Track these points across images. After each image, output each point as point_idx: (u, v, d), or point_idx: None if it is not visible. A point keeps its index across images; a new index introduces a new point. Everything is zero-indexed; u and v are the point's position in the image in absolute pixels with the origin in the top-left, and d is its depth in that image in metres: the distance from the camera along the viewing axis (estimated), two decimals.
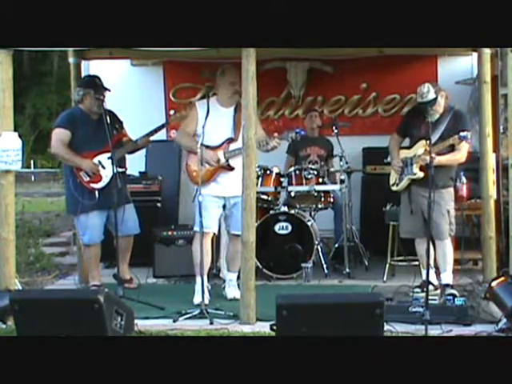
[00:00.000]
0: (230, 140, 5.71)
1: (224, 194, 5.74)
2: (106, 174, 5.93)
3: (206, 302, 5.38)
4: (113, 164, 5.76)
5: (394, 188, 6.00)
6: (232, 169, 5.69)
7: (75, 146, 5.97)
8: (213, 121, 5.53)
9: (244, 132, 5.23)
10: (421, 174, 5.69)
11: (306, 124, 7.60)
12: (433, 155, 5.32)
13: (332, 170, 7.26)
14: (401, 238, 6.26)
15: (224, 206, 5.80)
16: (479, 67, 6.00)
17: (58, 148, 5.99)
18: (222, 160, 5.69)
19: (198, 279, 5.64)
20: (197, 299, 5.59)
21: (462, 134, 5.49)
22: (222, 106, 5.71)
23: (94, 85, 6.03)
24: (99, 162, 5.96)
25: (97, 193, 5.94)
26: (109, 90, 6.09)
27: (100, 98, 5.89)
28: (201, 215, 5.38)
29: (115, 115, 6.18)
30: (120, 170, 5.95)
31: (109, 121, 5.75)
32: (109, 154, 5.83)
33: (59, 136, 5.98)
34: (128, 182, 6.57)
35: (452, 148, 5.69)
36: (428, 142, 5.40)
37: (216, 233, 5.92)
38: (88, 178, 5.96)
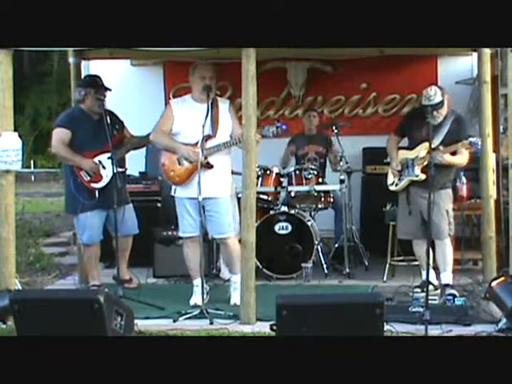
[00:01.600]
0: (208, 137, 5.56)
1: (202, 195, 5.41)
2: (107, 173, 5.93)
3: (200, 303, 5.36)
4: (113, 164, 5.77)
5: (393, 188, 6.00)
6: (211, 167, 5.55)
7: (76, 146, 5.97)
8: (189, 118, 5.52)
9: (244, 131, 5.22)
10: (423, 176, 5.70)
11: (304, 123, 7.61)
12: (444, 155, 5.52)
13: (337, 155, 7.14)
14: (399, 239, 6.26)
15: (203, 208, 5.57)
16: (479, 67, 6.00)
17: (58, 148, 5.99)
18: (201, 158, 5.49)
19: (195, 282, 5.68)
20: (193, 300, 5.62)
21: (471, 139, 5.51)
22: (197, 102, 5.61)
23: (96, 84, 6.03)
24: (100, 161, 5.95)
25: (97, 192, 5.94)
26: (110, 90, 6.09)
27: (100, 97, 5.90)
28: (200, 215, 5.36)
29: (115, 115, 6.18)
30: (120, 169, 5.96)
31: (109, 121, 5.75)
32: (109, 154, 5.83)
33: (59, 135, 5.98)
34: (128, 181, 6.58)
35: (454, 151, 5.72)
36: (429, 144, 5.43)
37: (199, 235, 5.58)
38: (88, 178, 5.96)
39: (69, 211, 6.32)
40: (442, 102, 5.61)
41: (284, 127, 5.69)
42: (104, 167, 5.95)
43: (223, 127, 5.59)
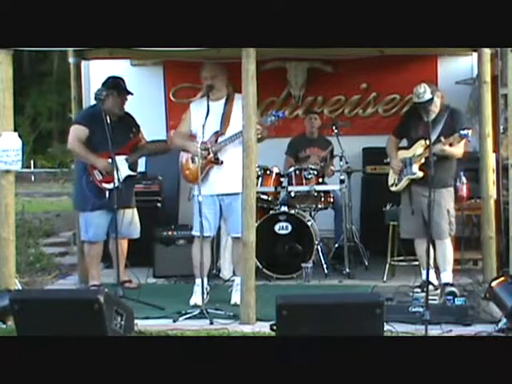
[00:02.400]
0: (217, 133, 5.59)
1: (216, 192, 5.57)
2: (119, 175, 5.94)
3: (200, 303, 5.35)
4: (113, 164, 5.76)
5: (393, 188, 6.00)
6: (221, 162, 5.57)
7: (92, 144, 6.00)
8: (200, 117, 5.51)
9: (244, 132, 5.21)
10: (420, 174, 5.70)
11: (305, 125, 7.61)
12: (444, 146, 5.49)
13: (332, 168, 7.25)
14: (401, 239, 6.26)
15: (220, 208, 5.67)
16: (479, 67, 6.00)
17: (74, 145, 6.04)
18: (210, 154, 5.54)
19: (197, 280, 5.65)
20: (193, 300, 5.60)
21: (462, 132, 5.50)
22: (212, 101, 5.58)
23: (119, 87, 6.09)
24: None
25: (107, 193, 5.95)
26: (131, 94, 6.16)
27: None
28: (200, 215, 5.35)
29: (133, 118, 6.23)
30: (132, 173, 6.06)
31: (123, 124, 5.81)
32: (124, 156, 5.94)
33: (76, 132, 6.05)
34: None
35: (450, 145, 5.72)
36: (427, 141, 5.42)
37: (212, 235, 5.80)
38: (101, 177, 6.00)
39: (77, 207, 6.36)
40: (431, 99, 5.61)
41: (281, 114, 5.76)
42: (117, 168, 5.94)
43: (234, 123, 5.55)
